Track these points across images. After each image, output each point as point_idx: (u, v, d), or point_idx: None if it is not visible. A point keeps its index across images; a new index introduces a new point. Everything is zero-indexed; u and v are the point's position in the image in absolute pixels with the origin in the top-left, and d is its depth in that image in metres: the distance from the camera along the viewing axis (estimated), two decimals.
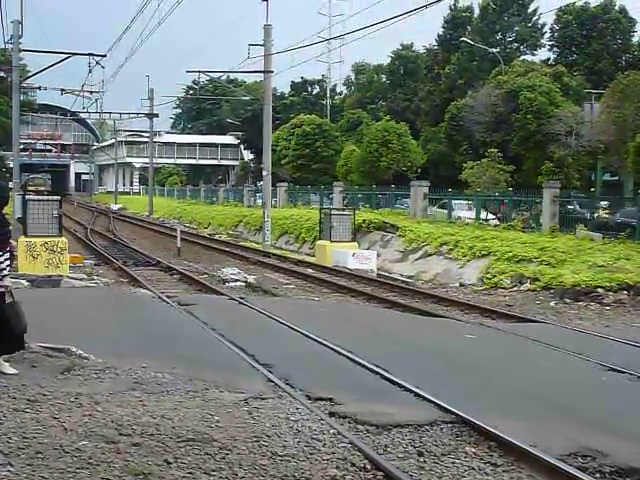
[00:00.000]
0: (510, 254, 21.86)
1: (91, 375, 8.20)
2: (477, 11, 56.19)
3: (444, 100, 51.85)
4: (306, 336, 11.20)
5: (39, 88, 44.45)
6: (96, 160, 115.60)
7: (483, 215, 30.62)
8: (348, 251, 24.75)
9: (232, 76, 77.53)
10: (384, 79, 67.49)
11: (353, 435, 6.62)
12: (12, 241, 8.57)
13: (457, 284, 21.63)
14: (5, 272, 7.97)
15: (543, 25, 56.10)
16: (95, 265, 23.28)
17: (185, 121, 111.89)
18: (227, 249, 31.07)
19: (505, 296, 18.85)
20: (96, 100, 49.78)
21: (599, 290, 17.37)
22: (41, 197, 21.58)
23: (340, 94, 79.77)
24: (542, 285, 18.87)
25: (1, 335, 7.93)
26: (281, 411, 7.17)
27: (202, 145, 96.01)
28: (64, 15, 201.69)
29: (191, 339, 10.91)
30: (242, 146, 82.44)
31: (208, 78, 60.45)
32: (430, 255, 25.29)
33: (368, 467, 5.87)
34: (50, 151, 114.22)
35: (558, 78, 45.24)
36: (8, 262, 8.18)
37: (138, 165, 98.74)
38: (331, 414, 7.26)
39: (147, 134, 68.80)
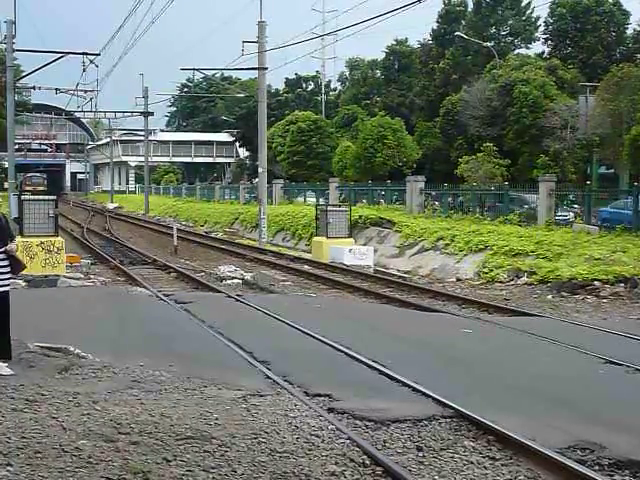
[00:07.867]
0: (506, 248, 21.88)
1: (89, 374, 8.20)
2: (471, 5, 56.14)
3: (439, 95, 51.84)
4: (304, 332, 11.20)
5: (33, 88, 44.50)
6: (91, 159, 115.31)
7: None
8: (345, 247, 24.75)
9: (226, 73, 77.58)
10: (378, 74, 67.37)
11: (352, 431, 6.62)
12: (12, 243, 8.44)
13: (454, 279, 21.61)
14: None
15: (537, 18, 56.07)
16: (92, 264, 23.23)
17: (180, 119, 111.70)
18: (223, 247, 31.04)
19: (502, 290, 18.85)
20: (91, 99, 49.67)
21: (596, 283, 17.37)
22: (37, 197, 21.52)
23: (335, 90, 79.60)
24: (539, 279, 18.86)
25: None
26: (279, 408, 7.16)
27: (197, 143, 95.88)
28: (57, 13, 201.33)
29: (189, 337, 10.91)
30: (237, 143, 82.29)
31: (202, 76, 60.30)
32: (427, 250, 25.30)
33: (367, 463, 5.87)
34: (45, 151, 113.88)
35: (553, 71, 45.25)
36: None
37: (133, 164, 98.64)
38: (329, 410, 7.26)
39: (142, 133, 68.67)
